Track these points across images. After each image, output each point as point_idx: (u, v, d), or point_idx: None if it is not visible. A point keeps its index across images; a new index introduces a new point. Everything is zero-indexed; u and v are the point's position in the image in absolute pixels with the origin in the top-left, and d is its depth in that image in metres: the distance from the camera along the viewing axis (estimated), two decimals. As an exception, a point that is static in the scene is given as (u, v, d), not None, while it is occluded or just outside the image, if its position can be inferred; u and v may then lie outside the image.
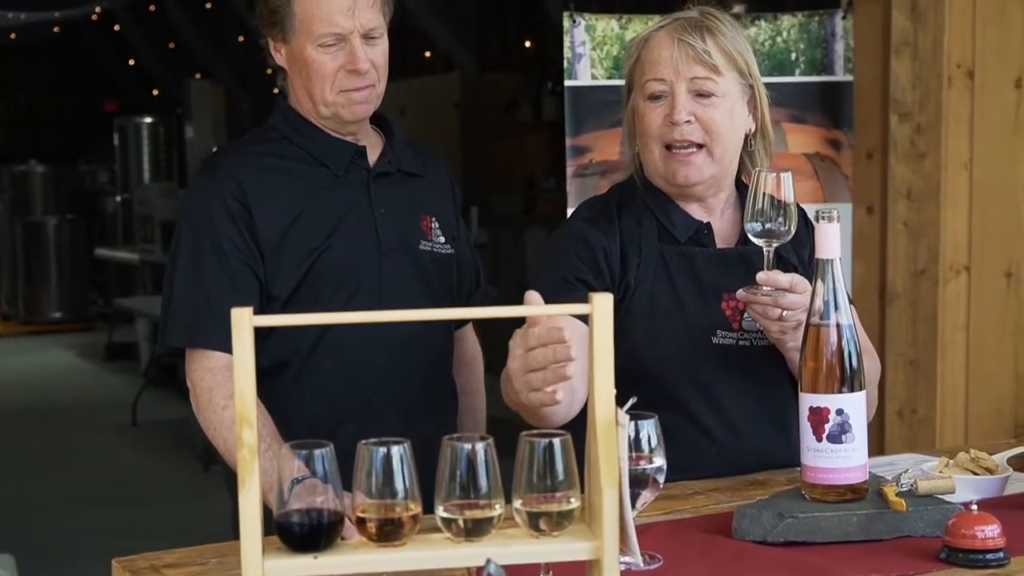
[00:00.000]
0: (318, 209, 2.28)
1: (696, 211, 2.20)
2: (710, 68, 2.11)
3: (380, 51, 2.28)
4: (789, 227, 1.98)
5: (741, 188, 2.23)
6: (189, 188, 2.35)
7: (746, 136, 2.19)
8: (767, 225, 1.97)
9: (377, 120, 2.41)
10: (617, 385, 1.42)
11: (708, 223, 2.19)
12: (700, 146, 2.12)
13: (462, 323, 2.58)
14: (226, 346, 2.16)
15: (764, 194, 1.97)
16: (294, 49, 2.27)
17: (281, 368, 2.25)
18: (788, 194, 1.97)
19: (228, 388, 2.14)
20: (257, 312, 1.42)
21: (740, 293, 2.01)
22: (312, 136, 2.33)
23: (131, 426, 8.06)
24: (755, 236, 1.99)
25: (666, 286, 2.14)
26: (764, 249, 2.00)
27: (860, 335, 1.85)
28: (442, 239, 2.42)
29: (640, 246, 2.15)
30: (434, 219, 2.42)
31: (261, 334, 2.22)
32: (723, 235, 2.21)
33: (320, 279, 2.25)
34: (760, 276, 1.97)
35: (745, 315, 2.12)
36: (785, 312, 1.97)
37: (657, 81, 2.12)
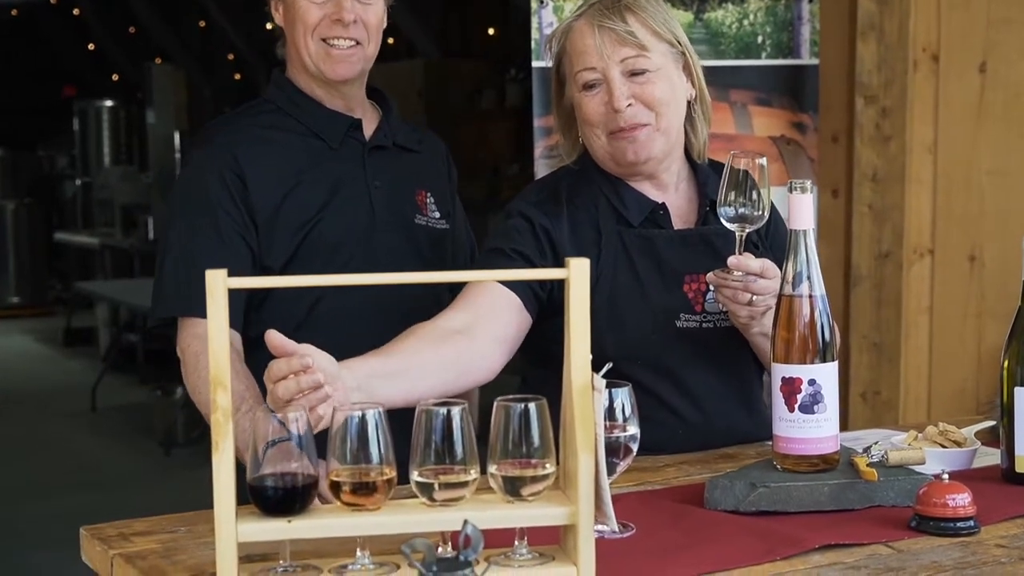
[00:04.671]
0: (313, 181, 2.27)
1: (649, 190, 2.18)
2: (637, 47, 2.09)
3: (373, 11, 2.28)
4: (762, 212, 1.97)
5: (693, 164, 2.22)
6: (186, 160, 2.35)
7: (688, 103, 2.18)
8: (740, 210, 1.97)
9: (373, 95, 2.41)
10: None
11: (663, 203, 2.17)
12: (647, 124, 2.10)
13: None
14: None
15: (737, 179, 1.96)
16: (288, 3, 2.28)
17: None
18: (762, 179, 1.97)
19: None
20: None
21: (710, 277, 2.00)
22: (308, 108, 2.32)
23: (91, 412, 8.00)
24: (728, 221, 1.98)
25: (628, 271, 2.13)
26: (736, 234, 1.99)
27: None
28: (437, 214, 2.41)
29: (600, 232, 2.14)
30: (429, 194, 2.41)
31: (253, 305, 2.22)
32: (680, 213, 2.19)
33: (313, 251, 2.25)
34: (731, 260, 1.97)
35: (708, 296, 2.11)
36: (755, 297, 1.97)
37: (588, 71, 2.10)
